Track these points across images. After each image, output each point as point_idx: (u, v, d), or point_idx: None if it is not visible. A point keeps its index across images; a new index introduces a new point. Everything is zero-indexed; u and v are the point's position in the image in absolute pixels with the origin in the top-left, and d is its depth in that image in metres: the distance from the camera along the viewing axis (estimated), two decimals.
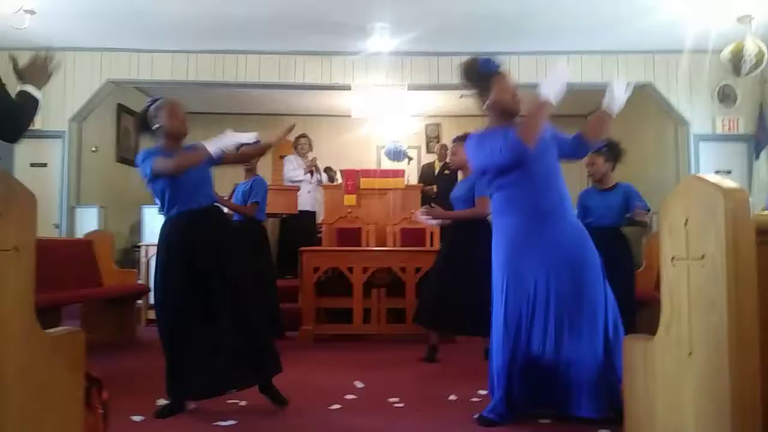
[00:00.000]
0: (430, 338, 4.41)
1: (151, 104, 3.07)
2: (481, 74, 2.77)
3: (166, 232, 3.01)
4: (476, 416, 2.76)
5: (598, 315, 2.55)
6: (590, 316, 2.55)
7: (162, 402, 3.01)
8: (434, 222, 4.50)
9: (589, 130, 2.83)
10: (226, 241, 3.04)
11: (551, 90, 2.55)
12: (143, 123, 3.10)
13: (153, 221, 6.78)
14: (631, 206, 4.07)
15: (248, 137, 2.95)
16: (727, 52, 5.12)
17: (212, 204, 3.13)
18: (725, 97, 7.04)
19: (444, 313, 4.16)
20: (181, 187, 2.93)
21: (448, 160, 4.49)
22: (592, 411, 2.48)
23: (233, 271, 2.97)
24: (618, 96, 2.72)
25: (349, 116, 8.10)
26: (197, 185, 2.98)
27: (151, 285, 5.80)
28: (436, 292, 4.21)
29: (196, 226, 2.94)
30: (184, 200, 2.95)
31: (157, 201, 3.05)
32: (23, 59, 2.47)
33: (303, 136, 7.27)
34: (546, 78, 2.56)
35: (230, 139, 2.91)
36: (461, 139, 4.23)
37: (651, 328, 1.99)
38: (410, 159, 7.79)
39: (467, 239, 4.13)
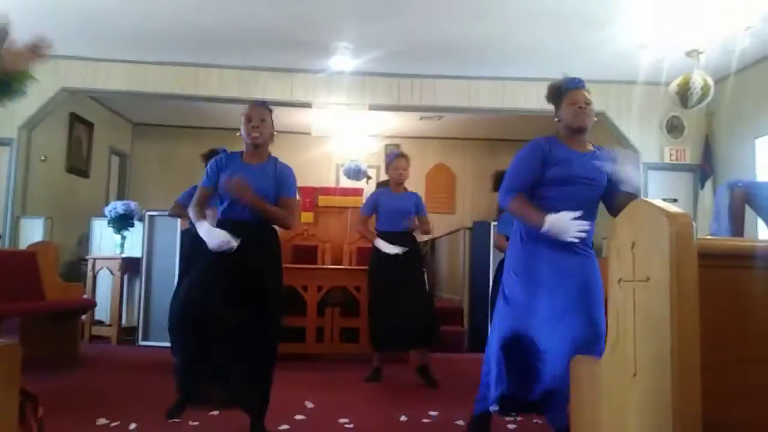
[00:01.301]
0: (375, 359, 4.43)
1: None
2: (557, 89, 2.79)
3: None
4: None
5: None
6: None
7: (102, 421, 2.91)
8: None
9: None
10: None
11: (551, 226, 2.49)
12: None
13: (102, 234, 6.61)
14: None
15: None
16: (674, 85, 5.31)
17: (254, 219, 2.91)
18: (673, 128, 7.32)
19: (399, 332, 4.21)
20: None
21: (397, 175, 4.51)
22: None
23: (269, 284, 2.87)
24: (628, 176, 2.67)
25: (310, 134, 8.10)
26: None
27: (97, 299, 5.66)
28: (391, 313, 4.24)
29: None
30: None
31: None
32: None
33: None
34: (555, 225, 2.50)
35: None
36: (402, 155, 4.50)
37: None
38: (369, 178, 7.81)
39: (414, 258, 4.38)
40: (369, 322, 4.52)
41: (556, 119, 2.82)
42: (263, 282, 2.81)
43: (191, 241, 3.52)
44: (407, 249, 4.29)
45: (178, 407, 2.92)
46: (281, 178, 2.93)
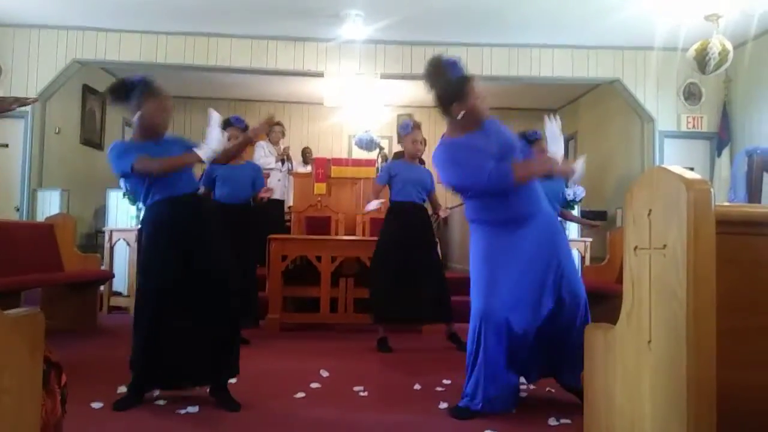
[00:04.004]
0: (380, 330, 4.44)
1: (138, 82, 2.85)
2: (451, 79, 2.68)
3: (151, 218, 2.90)
4: (450, 407, 2.79)
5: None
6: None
7: (123, 389, 2.96)
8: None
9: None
10: (208, 228, 2.92)
11: (559, 149, 2.58)
12: (119, 97, 2.90)
13: (118, 206, 6.65)
14: None
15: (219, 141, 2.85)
16: (692, 50, 5.21)
17: (194, 191, 2.99)
18: (690, 95, 7.20)
19: (405, 307, 4.23)
20: (163, 178, 2.84)
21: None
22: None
23: (216, 259, 2.87)
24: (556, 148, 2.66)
25: (321, 104, 8.05)
26: (178, 174, 2.86)
27: (115, 271, 5.73)
28: (392, 283, 4.24)
29: (179, 212, 2.84)
30: (165, 188, 2.84)
31: (131, 193, 2.96)
32: None
33: (277, 123, 7.21)
34: (551, 137, 2.60)
35: (215, 141, 2.82)
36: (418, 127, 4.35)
37: (612, 320, 2.03)
38: (382, 149, 7.78)
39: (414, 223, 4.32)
40: (371, 294, 4.49)
41: (459, 114, 2.65)
42: (213, 258, 2.85)
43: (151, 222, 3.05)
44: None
45: (127, 400, 2.83)
46: None
